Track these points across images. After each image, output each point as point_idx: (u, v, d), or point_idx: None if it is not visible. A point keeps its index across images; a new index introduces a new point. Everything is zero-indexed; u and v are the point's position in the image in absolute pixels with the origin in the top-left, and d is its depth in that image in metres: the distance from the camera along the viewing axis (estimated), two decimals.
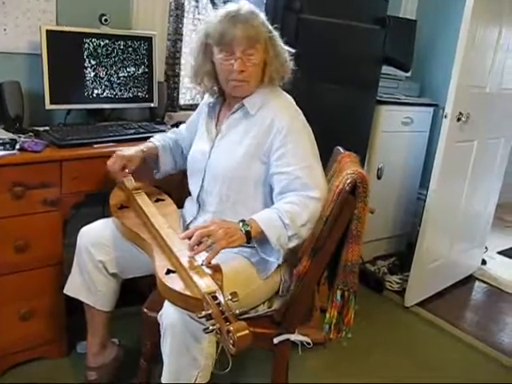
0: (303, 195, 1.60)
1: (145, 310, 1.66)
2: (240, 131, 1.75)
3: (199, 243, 1.46)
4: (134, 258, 1.84)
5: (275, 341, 1.62)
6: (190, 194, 1.92)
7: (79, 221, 1.97)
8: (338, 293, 1.59)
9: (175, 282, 1.39)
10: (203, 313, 1.21)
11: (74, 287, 1.89)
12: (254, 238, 1.53)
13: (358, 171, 1.52)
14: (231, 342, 1.14)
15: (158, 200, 1.92)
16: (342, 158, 1.78)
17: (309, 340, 1.65)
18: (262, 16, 1.72)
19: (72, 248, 1.88)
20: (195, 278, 1.35)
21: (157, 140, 2.03)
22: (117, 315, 2.00)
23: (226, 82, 1.73)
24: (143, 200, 1.85)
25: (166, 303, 1.48)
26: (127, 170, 1.91)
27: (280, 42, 1.75)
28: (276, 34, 1.74)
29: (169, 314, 1.45)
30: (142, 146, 1.97)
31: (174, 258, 1.48)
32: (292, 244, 1.58)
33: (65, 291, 1.91)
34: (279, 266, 1.70)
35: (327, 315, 1.62)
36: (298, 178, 1.62)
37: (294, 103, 1.78)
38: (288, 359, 1.74)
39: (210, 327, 1.19)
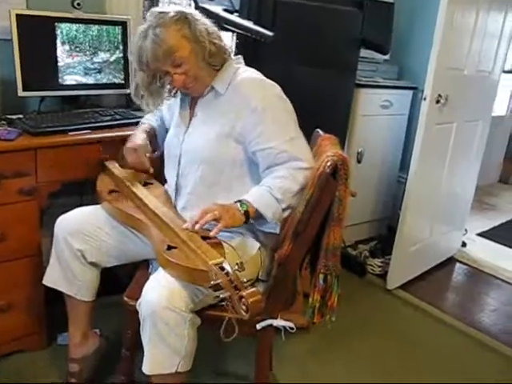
0: (291, 167, 1.59)
1: (125, 298, 1.64)
2: (212, 112, 1.72)
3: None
4: (113, 246, 1.82)
5: (258, 326, 1.60)
6: (165, 182, 1.90)
7: (56, 210, 1.92)
8: (321, 277, 1.57)
9: (178, 257, 1.43)
10: (212, 283, 1.26)
11: (52, 278, 1.85)
12: (252, 217, 1.55)
13: (338, 153, 1.50)
14: (244, 307, 1.21)
15: (146, 184, 1.90)
16: (322, 141, 1.76)
17: (292, 325, 1.63)
18: (174, 16, 1.63)
19: (50, 238, 1.84)
20: (199, 251, 1.39)
21: (150, 120, 2.01)
22: (98, 305, 1.96)
23: None
24: (133, 184, 1.84)
25: (145, 292, 1.47)
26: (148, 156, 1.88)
27: (200, 27, 1.65)
28: (193, 22, 1.65)
29: (147, 303, 1.43)
30: (143, 131, 1.93)
31: (174, 235, 1.51)
32: (286, 214, 1.61)
33: (44, 282, 1.87)
34: (259, 249, 1.70)
35: (310, 299, 1.60)
36: (282, 151, 1.60)
37: (262, 76, 1.74)
38: (271, 345, 1.74)
39: (221, 296, 1.25)
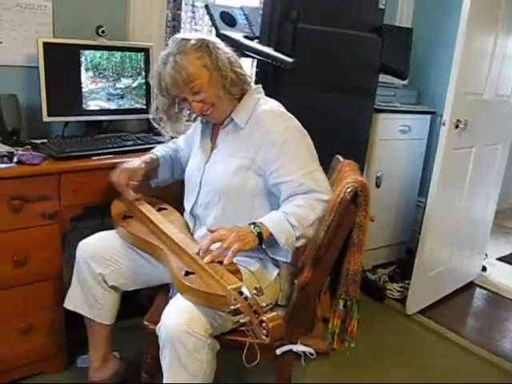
0: (310, 198, 1.59)
1: (145, 322, 1.65)
2: (232, 144, 1.74)
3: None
4: (133, 270, 1.84)
5: (278, 352, 1.60)
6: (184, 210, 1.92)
7: (79, 234, 1.95)
8: (341, 302, 1.58)
9: (196, 282, 1.43)
10: (231, 307, 1.26)
11: (73, 301, 1.87)
12: (266, 239, 1.53)
13: (358, 179, 1.51)
14: (264, 332, 1.21)
15: (160, 209, 1.92)
16: (342, 167, 1.77)
17: (312, 350, 1.63)
18: (196, 44, 1.66)
19: (72, 261, 1.87)
20: (217, 276, 1.39)
21: (158, 151, 2.03)
22: (118, 328, 1.97)
23: None
24: (147, 209, 1.85)
25: (164, 316, 1.47)
26: (132, 183, 1.90)
27: (221, 56, 1.68)
28: (214, 51, 1.67)
29: (167, 327, 1.44)
30: (145, 158, 1.96)
31: (192, 260, 1.51)
32: (299, 243, 1.58)
33: (65, 305, 1.89)
34: (278, 275, 1.71)
35: (330, 325, 1.61)
36: (301, 184, 1.60)
37: (283, 108, 1.75)
38: (291, 370, 1.73)
39: (241, 320, 1.25)
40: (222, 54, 1.68)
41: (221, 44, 1.72)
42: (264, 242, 1.55)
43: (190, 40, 1.67)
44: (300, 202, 1.59)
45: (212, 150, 1.81)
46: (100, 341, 1.94)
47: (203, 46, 1.67)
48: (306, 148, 1.69)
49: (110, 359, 2.00)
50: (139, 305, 2.01)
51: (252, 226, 1.53)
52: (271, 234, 1.53)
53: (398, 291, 3.12)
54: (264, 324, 1.22)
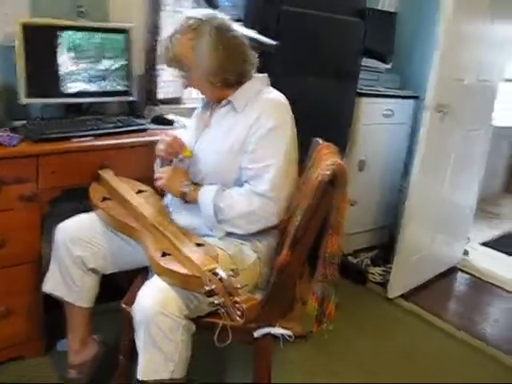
0: (256, 189, 1.62)
1: (123, 305, 1.65)
2: (226, 127, 1.74)
3: None
4: (112, 252, 1.84)
5: (255, 334, 1.60)
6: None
7: (60, 217, 1.93)
8: (318, 285, 1.58)
9: (172, 263, 1.45)
10: (206, 288, 1.27)
11: (52, 284, 1.86)
12: (188, 201, 1.71)
13: (337, 162, 1.51)
14: (239, 313, 1.22)
15: (140, 191, 1.91)
16: (321, 149, 1.77)
17: (290, 333, 1.63)
18: (193, 25, 1.68)
19: (50, 244, 1.86)
20: (193, 257, 1.41)
21: None
22: (97, 311, 1.97)
23: None
24: (126, 191, 1.85)
25: (139, 297, 1.48)
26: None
27: (212, 43, 1.67)
28: (211, 33, 1.67)
29: (141, 308, 1.45)
30: None
31: (168, 242, 1.54)
32: (228, 228, 1.66)
33: (43, 288, 1.88)
34: (258, 258, 1.71)
35: (308, 307, 1.61)
36: (258, 175, 1.63)
37: (287, 103, 1.75)
38: (270, 353, 1.73)
39: (215, 301, 1.26)
40: (217, 40, 1.67)
41: (227, 26, 1.73)
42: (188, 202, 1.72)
43: (190, 19, 1.69)
44: (243, 190, 1.64)
45: (204, 129, 1.82)
46: (79, 324, 1.93)
47: (201, 26, 1.67)
48: (289, 143, 1.69)
49: (90, 342, 1.99)
50: (120, 288, 2.00)
51: (187, 185, 1.71)
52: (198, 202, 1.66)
53: (381, 275, 3.14)
54: (238, 305, 1.22)
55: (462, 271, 3.51)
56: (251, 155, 1.66)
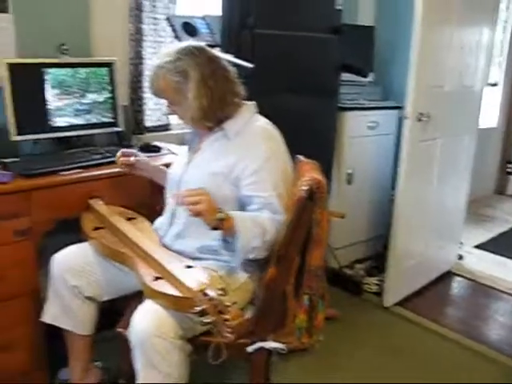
0: (275, 218, 1.65)
1: (119, 329, 1.69)
2: (216, 151, 1.79)
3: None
4: (107, 280, 1.89)
5: (249, 350, 1.64)
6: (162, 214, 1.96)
7: (55, 248, 1.98)
8: (305, 297, 1.62)
9: (164, 286, 1.49)
10: (197, 309, 1.31)
11: (51, 314, 1.91)
12: (223, 231, 1.57)
13: (313, 177, 1.56)
14: (229, 330, 1.26)
15: (129, 219, 1.97)
16: (302, 167, 1.82)
17: (283, 346, 1.67)
18: (177, 60, 1.72)
19: (48, 275, 1.90)
20: (183, 279, 1.45)
21: None
22: (98, 338, 2.01)
23: None
24: (117, 219, 1.91)
25: (134, 320, 1.52)
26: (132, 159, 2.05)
27: (195, 81, 1.71)
28: (193, 71, 1.71)
29: (136, 331, 1.49)
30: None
31: (159, 266, 1.58)
32: (252, 255, 1.64)
33: (42, 319, 1.92)
34: (249, 278, 1.75)
35: (296, 320, 1.65)
36: (271, 203, 1.67)
37: (272, 128, 1.82)
38: (267, 368, 1.77)
39: (206, 321, 1.29)
40: (204, 85, 1.71)
41: (214, 66, 1.77)
42: (224, 236, 1.61)
43: (177, 59, 1.71)
44: (266, 217, 1.65)
45: (197, 152, 1.86)
46: (80, 352, 1.97)
47: (187, 71, 1.71)
48: (284, 170, 1.77)
49: (91, 370, 2.03)
50: (120, 315, 2.04)
51: (221, 211, 1.55)
52: (235, 232, 1.56)
53: (376, 285, 3.17)
54: (228, 322, 1.27)
55: (457, 275, 3.53)
56: (254, 185, 1.70)
